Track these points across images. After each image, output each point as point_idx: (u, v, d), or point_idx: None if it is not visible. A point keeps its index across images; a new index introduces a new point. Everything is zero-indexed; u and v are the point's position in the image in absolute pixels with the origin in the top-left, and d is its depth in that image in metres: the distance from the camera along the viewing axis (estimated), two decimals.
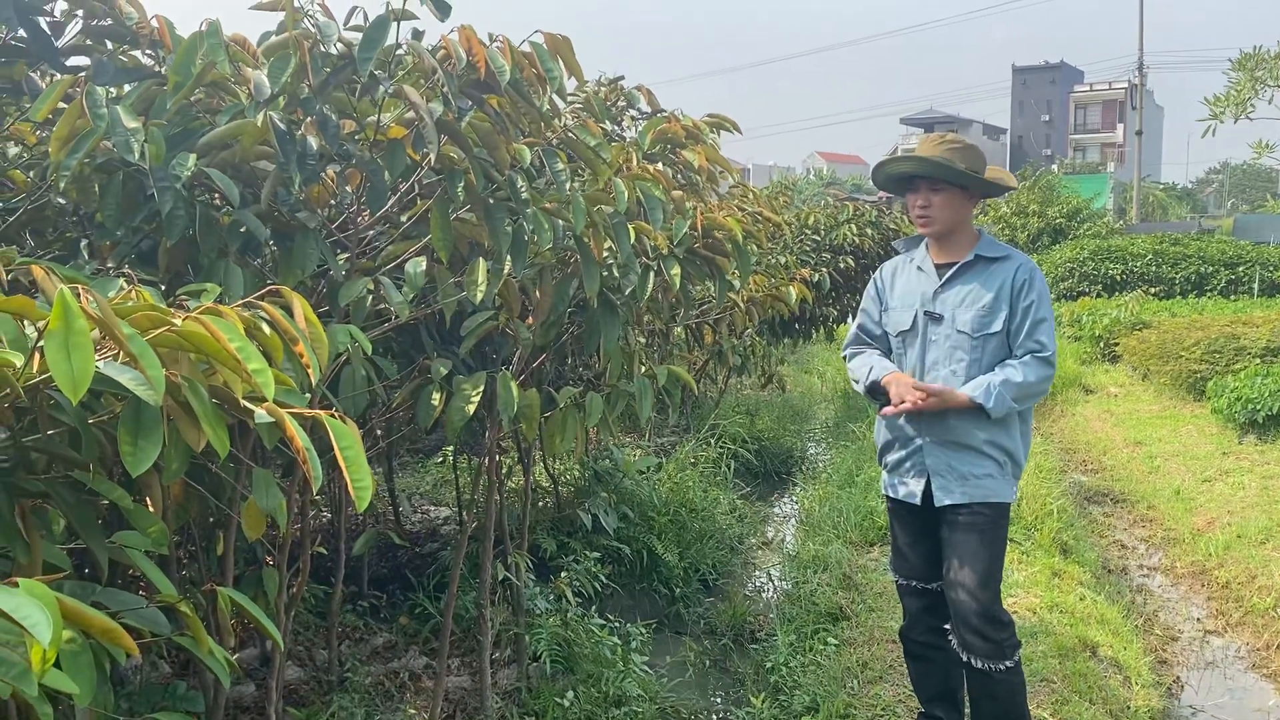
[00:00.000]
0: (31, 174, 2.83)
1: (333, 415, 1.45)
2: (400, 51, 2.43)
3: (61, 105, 2.13)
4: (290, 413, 1.43)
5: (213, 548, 2.98)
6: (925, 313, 3.39)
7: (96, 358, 1.25)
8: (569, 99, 3.79)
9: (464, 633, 4.39)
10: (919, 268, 3.47)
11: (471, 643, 4.27)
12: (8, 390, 1.21)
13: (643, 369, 3.11)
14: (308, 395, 1.65)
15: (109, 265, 2.43)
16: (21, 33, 2.34)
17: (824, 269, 8.90)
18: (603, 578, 5.00)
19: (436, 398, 2.94)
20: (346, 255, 2.64)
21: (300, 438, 1.39)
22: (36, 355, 1.28)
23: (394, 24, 2.17)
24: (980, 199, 3.50)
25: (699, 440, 7.75)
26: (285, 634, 3.04)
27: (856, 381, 3.53)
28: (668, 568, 5.68)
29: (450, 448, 5.87)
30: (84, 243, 2.64)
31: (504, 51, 2.23)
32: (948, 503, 3.34)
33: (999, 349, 3.31)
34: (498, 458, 3.84)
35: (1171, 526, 7.32)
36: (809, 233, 9.41)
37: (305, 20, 2.24)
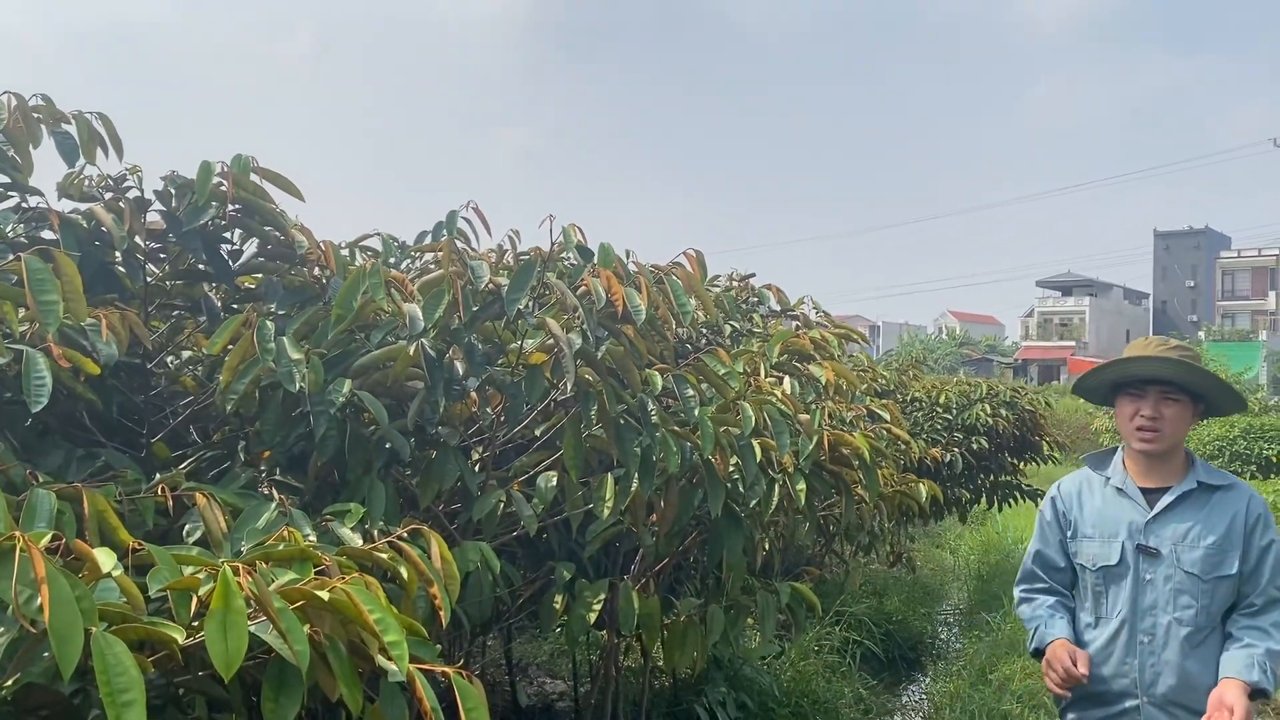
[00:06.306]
0: (200, 372, 3.07)
1: (460, 673, 1.49)
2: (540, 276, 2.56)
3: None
4: (420, 669, 1.48)
5: None
6: (1138, 546, 2.90)
7: (249, 622, 1.33)
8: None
9: None
10: (1118, 489, 2.97)
11: None
12: (166, 653, 1.30)
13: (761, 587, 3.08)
14: (438, 647, 1.71)
15: (262, 470, 2.59)
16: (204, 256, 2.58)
17: (956, 449, 8.71)
18: None
19: (559, 600, 2.99)
20: (481, 462, 2.75)
21: (428, 698, 1.44)
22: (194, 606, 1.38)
23: (539, 265, 2.31)
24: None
25: (823, 625, 7.52)
26: None
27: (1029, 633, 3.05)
28: None
29: None
30: (241, 444, 2.82)
31: (641, 289, 2.34)
32: None
33: (1229, 594, 2.84)
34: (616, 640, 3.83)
35: None
36: (940, 411, 9.27)
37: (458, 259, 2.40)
